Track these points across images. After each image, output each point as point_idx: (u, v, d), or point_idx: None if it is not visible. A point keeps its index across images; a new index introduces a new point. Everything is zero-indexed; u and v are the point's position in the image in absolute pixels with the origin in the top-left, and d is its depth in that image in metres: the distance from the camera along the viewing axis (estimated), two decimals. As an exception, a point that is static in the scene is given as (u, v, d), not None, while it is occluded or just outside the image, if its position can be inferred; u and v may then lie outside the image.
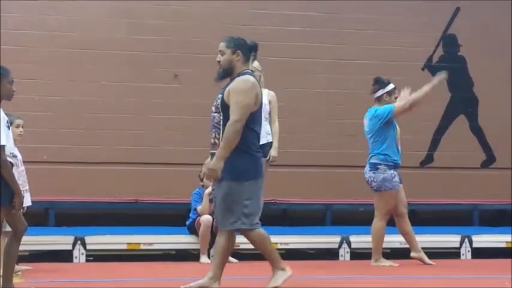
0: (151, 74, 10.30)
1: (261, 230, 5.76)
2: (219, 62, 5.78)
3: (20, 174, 6.87)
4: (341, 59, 10.91)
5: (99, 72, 10.16)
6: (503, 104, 11.31)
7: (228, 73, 5.74)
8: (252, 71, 8.16)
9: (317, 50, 10.77)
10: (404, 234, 7.92)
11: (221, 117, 5.67)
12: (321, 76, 10.81)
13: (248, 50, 5.76)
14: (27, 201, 6.84)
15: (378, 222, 7.71)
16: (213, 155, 5.73)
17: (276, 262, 5.80)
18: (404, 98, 7.79)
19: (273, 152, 7.84)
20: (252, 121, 5.67)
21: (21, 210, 6.51)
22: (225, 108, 5.65)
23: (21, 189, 6.79)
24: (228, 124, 5.57)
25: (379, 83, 7.83)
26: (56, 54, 10.04)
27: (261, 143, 7.96)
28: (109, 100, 10.21)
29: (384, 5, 11.08)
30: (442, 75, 7.82)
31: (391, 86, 7.81)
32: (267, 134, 7.85)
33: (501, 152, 11.36)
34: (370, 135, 7.76)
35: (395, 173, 7.67)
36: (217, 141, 5.69)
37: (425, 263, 7.84)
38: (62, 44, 10.08)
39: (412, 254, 7.91)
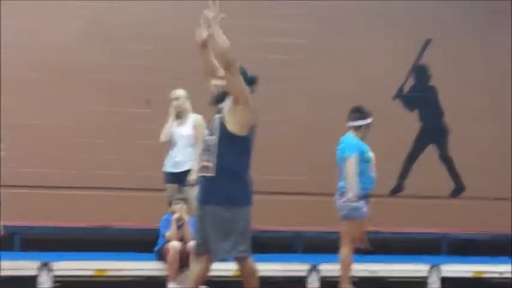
0: (127, 98, 10.27)
1: (254, 261, 5.74)
2: (215, 86, 5.76)
3: None
4: (313, 86, 10.95)
5: (75, 96, 10.13)
6: (474, 134, 11.41)
7: (223, 98, 5.73)
8: (175, 98, 8.38)
9: (291, 76, 10.82)
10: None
11: (215, 140, 5.63)
12: (291, 102, 10.84)
13: (247, 81, 5.74)
14: None
15: (346, 250, 7.68)
16: (201, 178, 5.70)
17: None
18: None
19: (191, 175, 7.96)
20: (246, 148, 5.66)
21: None
22: (222, 127, 5.61)
23: None
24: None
25: (360, 112, 7.76)
26: (31, 78, 9.98)
27: (183, 169, 8.16)
28: (79, 125, 10.15)
29: (362, 35, 11.17)
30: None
31: (370, 119, 7.76)
32: (190, 160, 7.98)
33: (470, 181, 11.43)
34: (342, 163, 7.72)
35: (364, 202, 7.65)
36: (209, 164, 5.63)
37: None
38: (38, 67, 10.03)
39: None
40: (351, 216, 7.60)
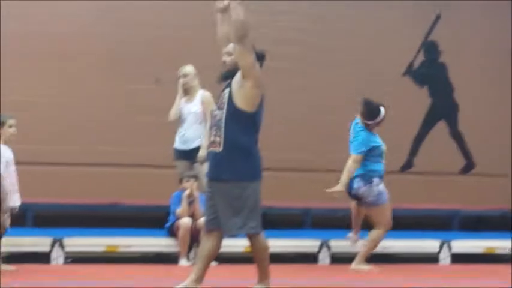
0: (133, 75, 10.27)
1: (265, 238, 5.75)
2: (224, 62, 5.77)
3: (10, 174, 6.94)
4: (322, 65, 10.92)
5: (80, 73, 10.11)
6: (484, 110, 11.37)
7: (232, 74, 5.73)
8: (184, 75, 8.35)
9: (299, 55, 10.78)
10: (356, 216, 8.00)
11: (223, 115, 5.64)
12: (300, 80, 10.81)
13: (256, 57, 5.73)
14: (16, 201, 6.92)
15: (379, 232, 7.68)
16: (210, 153, 5.71)
17: (266, 275, 5.78)
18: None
19: (200, 152, 7.97)
20: (253, 124, 5.67)
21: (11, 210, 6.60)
22: (230, 102, 5.62)
23: (12, 188, 6.89)
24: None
25: (369, 111, 7.65)
26: (36, 54, 9.96)
27: (193, 146, 8.17)
28: (89, 101, 10.16)
29: (367, 11, 11.11)
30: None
31: (382, 115, 7.67)
32: (199, 137, 7.99)
33: (481, 158, 11.42)
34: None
35: (383, 185, 7.69)
36: (218, 138, 5.64)
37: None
38: (42, 44, 10.01)
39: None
40: (377, 202, 7.61)
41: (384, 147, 7.80)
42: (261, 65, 5.78)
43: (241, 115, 5.62)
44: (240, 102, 5.62)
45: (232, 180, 5.59)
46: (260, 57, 5.78)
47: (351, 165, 7.57)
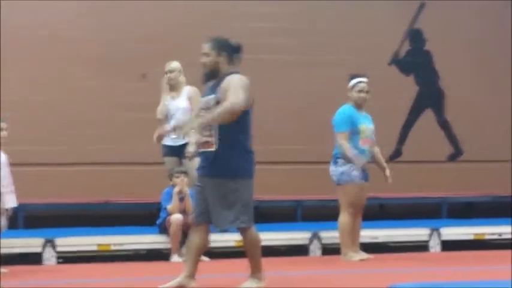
0: (120, 73, 10.26)
1: (257, 232, 5.79)
2: (204, 63, 5.78)
3: (4, 175, 6.95)
4: (310, 55, 10.94)
5: (67, 72, 10.11)
6: (470, 97, 11.42)
7: (214, 74, 5.76)
8: (170, 71, 8.33)
9: (286, 46, 10.80)
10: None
11: None
12: (289, 72, 10.83)
13: (232, 51, 5.76)
14: (11, 203, 6.93)
15: (342, 217, 7.75)
16: (203, 153, 5.74)
17: (258, 269, 5.82)
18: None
19: (189, 148, 7.97)
20: (244, 121, 5.70)
21: (6, 211, 6.62)
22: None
23: (6, 190, 6.90)
24: (226, 104, 5.54)
25: (351, 77, 7.86)
26: (21, 54, 9.94)
27: (182, 142, 8.18)
28: (76, 100, 10.16)
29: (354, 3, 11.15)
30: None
31: (353, 82, 7.79)
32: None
33: (468, 145, 11.47)
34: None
35: (354, 167, 7.69)
36: (210, 139, 5.67)
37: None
38: (28, 43, 9.99)
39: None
40: (341, 181, 7.68)
41: (366, 127, 7.77)
42: (238, 58, 5.78)
43: None
44: None
45: (226, 177, 5.63)
46: (235, 50, 5.79)
47: (343, 144, 7.64)
